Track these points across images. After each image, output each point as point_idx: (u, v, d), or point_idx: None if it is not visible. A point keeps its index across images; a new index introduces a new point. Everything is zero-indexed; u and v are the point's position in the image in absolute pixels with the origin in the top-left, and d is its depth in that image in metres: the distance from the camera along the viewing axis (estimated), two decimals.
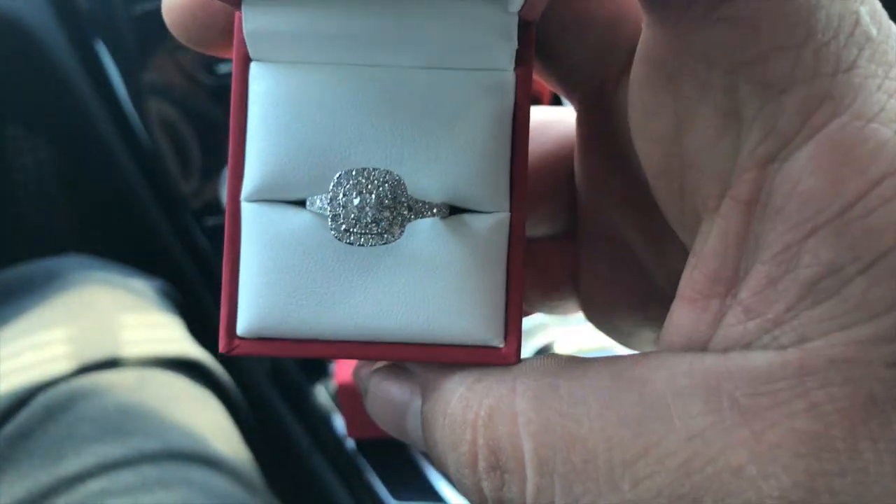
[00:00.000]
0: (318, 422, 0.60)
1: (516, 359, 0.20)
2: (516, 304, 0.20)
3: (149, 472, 0.48)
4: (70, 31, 0.74)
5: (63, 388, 0.51)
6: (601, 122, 0.22)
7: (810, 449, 0.15)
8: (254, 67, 0.20)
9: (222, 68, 0.71)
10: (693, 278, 0.18)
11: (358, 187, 0.19)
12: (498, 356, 0.20)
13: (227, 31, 0.21)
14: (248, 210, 0.20)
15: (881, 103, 0.15)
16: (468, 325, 0.20)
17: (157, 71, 0.73)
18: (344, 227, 0.19)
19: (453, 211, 0.20)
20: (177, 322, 0.61)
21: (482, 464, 0.18)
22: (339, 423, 0.59)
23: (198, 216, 0.69)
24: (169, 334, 0.59)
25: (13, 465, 0.47)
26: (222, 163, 0.72)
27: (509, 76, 0.20)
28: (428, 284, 0.20)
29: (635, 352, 0.23)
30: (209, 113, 0.72)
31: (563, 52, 0.22)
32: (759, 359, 0.16)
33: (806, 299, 0.15)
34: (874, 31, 0.15)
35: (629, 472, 0.16)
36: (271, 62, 0.20)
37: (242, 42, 0.20)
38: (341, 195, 0.19)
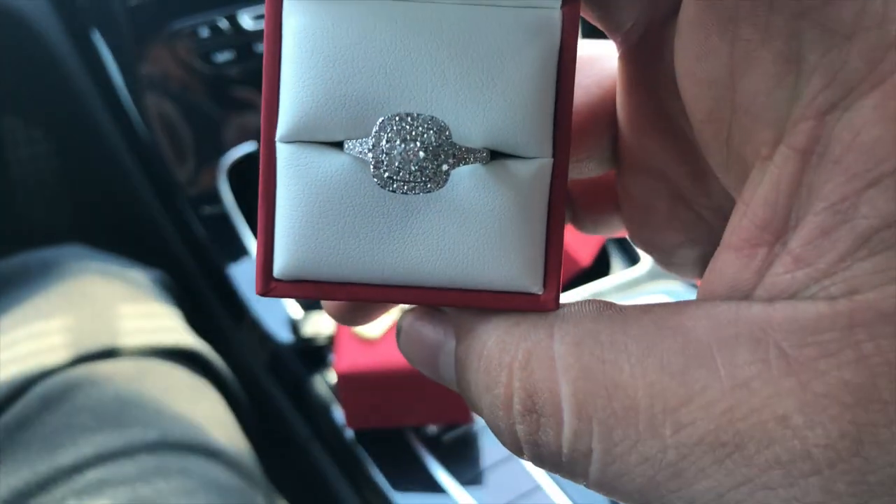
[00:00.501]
0: (316, 412, 0.60)
1: (555, 305, 0.19)
2: (556, 250, 0.20)
3: (147, 461, 0.47)
4: (67, 22, 0.74)
5: (60, 378, 0.51)
6: (646, 62, 0.22)
7: (857, 399, 0.14)
8: (287, 2, 0.19)
9: (218, 57, 0.71)
10: (741, 226, 0.17)
11: (402, 133, 0.18)
12: (536, 302, 0.19)
13: None
14: (283, 151, 0.19)
15: None
16: (507, 272, 0.19)
17: (154, 60, 0.73)
18: (387, 174, 0.18)
19: (494, 156, 0.19)
20: (174, 312, 0.61)
21: (517, 407, 0.18)
22: (338, 413, 0.59)
23: (194, 205, 0.69)
24: (166, 324, 0.58)
25: (10, 455, 0.47)
26: (220, 151, 0.71)
27: (556, 14, 0.19)
28: (468, 231, 0.19)
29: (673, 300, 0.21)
30: (206, 102, 0.72)
31: None
32: (807, 309, 0.15)
33: (860, 250, 0.15)
34: None
35: (671, 418, 0.16)
36: None
37: None
38: (384, 141, 0.18)
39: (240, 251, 0.66)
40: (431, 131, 0.18)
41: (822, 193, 0.15)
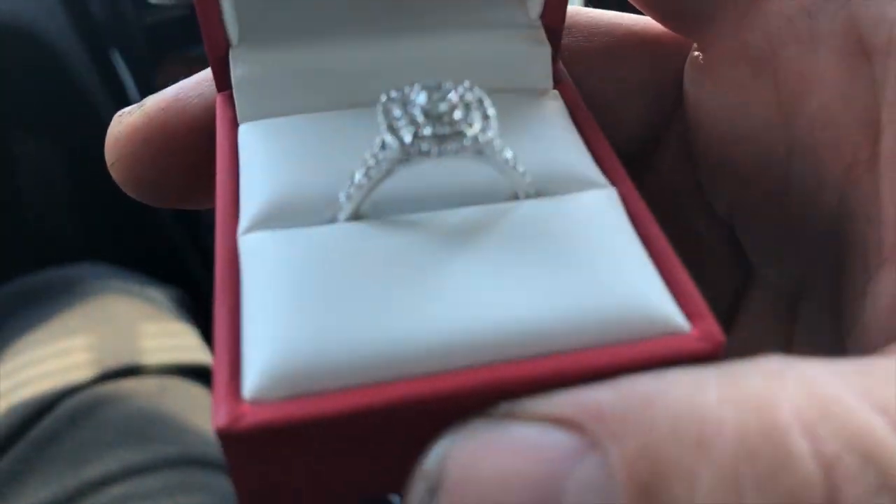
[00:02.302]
0: None
1: (723, 338, 0.12)
2: (681, 274, 0.13)
3: (170, 477, 0.49)
4: (86, 40, 0.75)
5: (86, 395, 0.52)
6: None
7: None
8: (243, 129, 0.16)
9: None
10: (882, 236, 0.15)
11: (420, 87, 0.14)
12: (695, 342, 0.12)
13: (193, 168, 0.18)
14: (248, 242, 0.14)
15: None
16: (629, 308, 0.12)
17: (170, 78, 0.74)
18: (408, 133, 0.13)
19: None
20: (192, 331, 0.62)
21: (853, 489, 0.09)
22: None
23: (212, 227, 0.70)
24: (186, 343, 0.60)
25: (39, 469, 0.49)
26: None
27: (552, 94, 0.17)
28: (544, 268, 0.13)
29: None
30: None
31: None
32: None
33: None
34: None
35: None
36: (262, 119, 0.16)
37: (227, 112, 0.16)
38: (396, 109, 0.13)
39: None
40: (462, 86, 0.14)
41: None
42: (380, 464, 0.12)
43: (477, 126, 0.13)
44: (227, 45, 0.16)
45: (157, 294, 0.64)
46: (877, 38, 0.14)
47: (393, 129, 0.13)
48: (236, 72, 0.16)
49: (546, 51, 0.17)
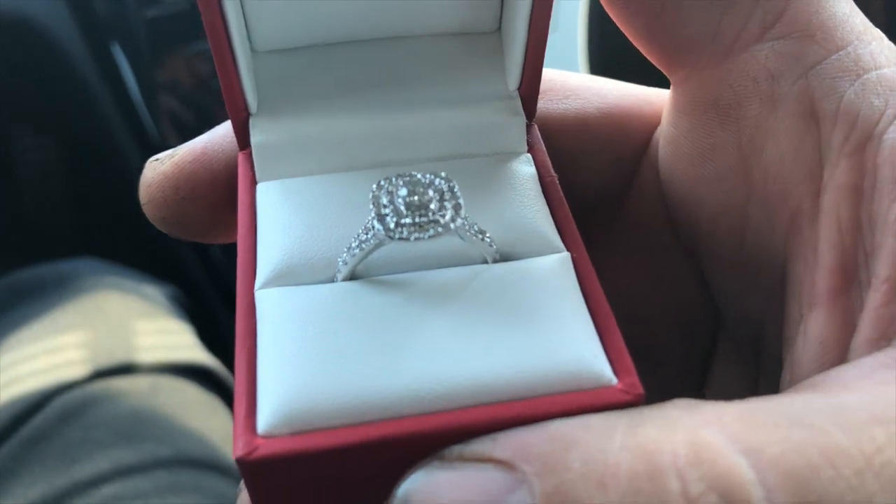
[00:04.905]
0: None
1: (642, 390, 0.15)
2: (614, 334, 0.16)
3: (161, 477, 0.49)
4: (87, 34, 0.75)
5: (78, 393, 0.52)
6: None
7: None
8: (261, 187, 0.19)
9: None
10: (815, 281, 0.17)
11: (403, 181, 0.17)
12: (619, 394, 0.15)
13: (216, 209, 0.21)
14: (263, 296, 0.17)
15: None
16: (568, 364, 0.15)
17: (173, 78, 0.74)
18: (392, 221, 0.16)
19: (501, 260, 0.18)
20: (187, 328, 0.62)
21: None
22: None
23: None
24: (180, 341, 0.60)
25: (29, 468, 0.48)
26: None
27: (524, 157, 0.20)
28: (502, 328, 0.16)
29: None
30: (224, 119, 0.73)
31: None
32: None
33: None
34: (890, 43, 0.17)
35: None
36: (278, 179, 0.19)
37: (248, 171, 0.19)
38: (384, 197, 0.16)
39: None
40: (438, 178, 0.17)
41: (892, 214, 0.16)
42: (366, 488, 0.15)
43: (448, 214, 0.16)
44: (247, 113, 0.19)
45: (153, 291, 0.64)
46: (826, 107, 0.17)
47: (380, 217, 0.16)
48: (255, 138, 0.19)
49: (521, 120, 0.20)
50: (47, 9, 0.75)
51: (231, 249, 0.59)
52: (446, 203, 0.16)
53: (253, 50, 0.20)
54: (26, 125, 0.79)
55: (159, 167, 0.22)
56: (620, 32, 0.20)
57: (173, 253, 0.72)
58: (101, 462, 0.48)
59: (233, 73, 0.18)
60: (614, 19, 0.20)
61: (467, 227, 0.17)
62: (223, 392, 0.59)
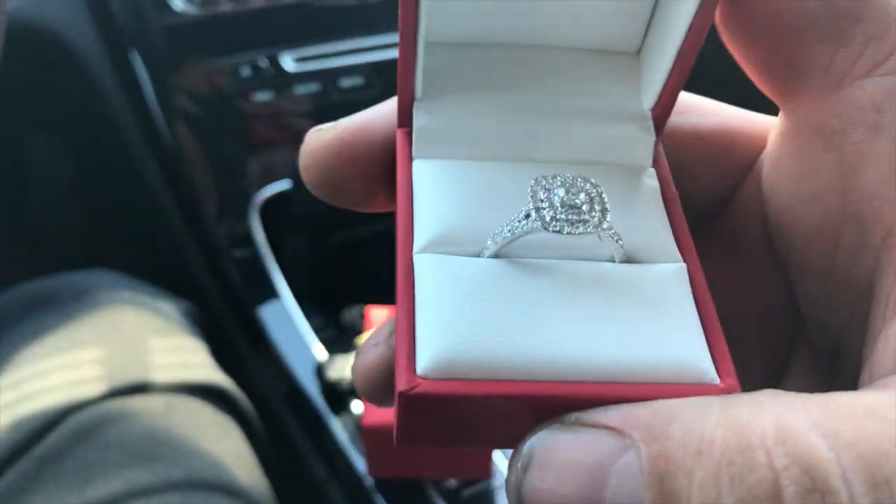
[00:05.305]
0: (336, 455, 0.61)
1: (739, 390, 0.18)
2: (718, 339, 0.19)
3: (173, 500, 0.49)
4: (106, 40, 0.75)
5: (93, 412, 0.52)
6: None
7: None
8: (417, 163, 0.22)
9: (258, 96, 0.72)
10: None
11: (560, 181, 0.19)
12: (719, 392, 0.18)
13: (368, 179, 0.23)
14: (422, 260, 0.20)
15: None
16: (678, 360, 0.18)
17: (191, 93, 0.74)
18: (549, 215, 0.19)
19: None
20: (201, 346, 0.62)
21: (791, 489, 0.14)
22: (357, 459, 0.60)
23: (226, 244, 0.70)
24: (195, 359, 0.60)
25: (43, 486, 0.48)
26: (252, 188, 0.73)
27: (650, 171, 0.22)
28: (625, 320, 0.18)
29: None
30: (241, 139, 0.73)
31: None
32: None
33: None
34: None
35: None
36: (434, 158, 0.22)
37: (406, 147, 0.22)
38: (541, 193, 0.19)
39: (269, 292, 0.67)
40: (589, 183, 0.19)
41: None
42: (495, 436, 0.18)
43: (597, 217, 0.19)
44: (413, 98, 0.22)
45: (168, 307, 0.64)
46: None
47: (538, 209, 0.19)
48: (418, 120, 0.22)
49: (651, 138, 0.22)
50: (67, 15, 0.75)
51: (244, 266, 0.60)
52: (595, 206, 0.19)
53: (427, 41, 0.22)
54: (43, 133, 0.79)
55: (322, 135, 0.23)
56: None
57: (186, 267, 0.72)
58: (114, 482, 0.48)
59: (411, 60, 0.21)
60: (732, 53, 0.22)
61: (610, 230, 0.19)
62: (236, 412, 0.59)
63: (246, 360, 0.68)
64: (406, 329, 0.18)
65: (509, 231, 0.19)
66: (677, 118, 0.24)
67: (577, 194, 0.19)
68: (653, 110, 0.22)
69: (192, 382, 0.57)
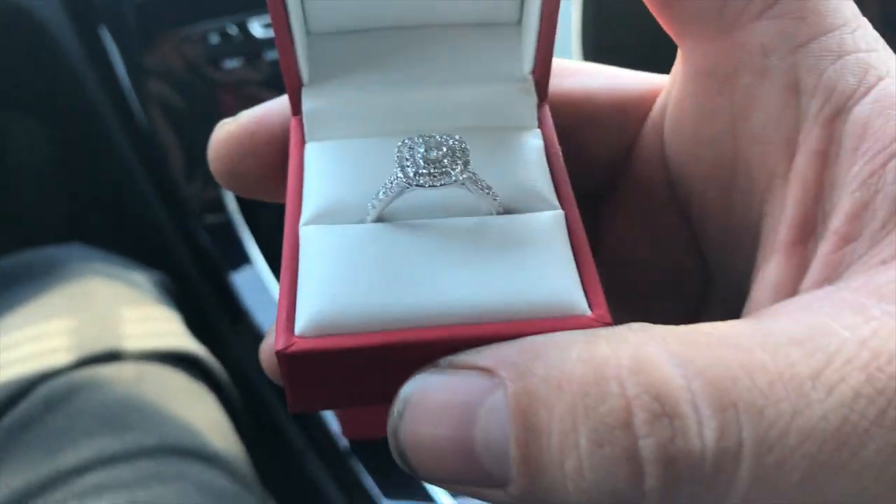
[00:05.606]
0: (311, 420, 0.61)
1: (611, 321, 0.19)
2: (591, 275, 0.20)
3: (146, 466, 0.48)
4: (76, 18, 0.74)
5: (63, 381, 0.51)
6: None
7: None
8: (308, 146, 0.23)
9: (228, 63, 0.72)
10: (778, 232, 0.20)
11: (422, 140, 0.20)
12: (590, 322, 0.18)
13: (270, 167, 0.25)
14: (306, 231, 0.21)
15: None
16: (550, 296, 0.19)
17: (162, 63, 0.74)
18: (412, 171, 0.20)
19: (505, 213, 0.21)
20: (175, 316, 0.62)
21: (641, 415, 0.15)
22: (332, 421, 0.60)
23: (198, 211, 0.70)
24: (167, 328, 0.59)
25: (12, 456, 0.48)
26: None
27: (535, 132, 0.23)
28: (499, 265, 0.19)
29: None
30: (212, 107, 0.73)
31: None
32: (882, 276, 0.17)
33: None
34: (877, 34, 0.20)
35: (819, 382, 0.15)
36: (325, 140, 0.23)
37: (298, 132, 0.23)
38: (406, 151, 0.20)
39: (242, 259, 0.67)
40: (453, 139, 0.20)
41: (849, 177, 0.18)
42: (376, 387, 0.18)
43: (458, 168, 0.20)
44: (300, 84, 0.23)
45: (140, 278, 0.63)
46: (808, 81, 0.19)
47: (402, 168, 0.20)
48: (306, 105, 0.23)
49: (533, 99, 0.23)
50: None
51: (216, 235, 0.59)
52: (458, 159, 0.20)
53: (308, 32, 0.24)
54: (15, 110, 0.79)
55: (226, 126, 0.25)
56: (613, 24, 0.23)
57: (161, 239, 0.72)
58: (85, 450, 0.48)
59: (290, 50, 0.22)
60: None
61: (475, 181, 0.20)
62: (209, 379, 0.59)
63: (220, 328, 0.67)
64: (287, 296, 0.19)
65: (384, 193, 0.20)
66: (567, 80, 0.25)
67: (438, 148, 0.20)
68: (532, 73, 0.23)
69: (165, 350, 0.56)
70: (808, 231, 0.19)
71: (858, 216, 0.18)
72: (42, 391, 0.51)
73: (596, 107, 0.25)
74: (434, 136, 0.20)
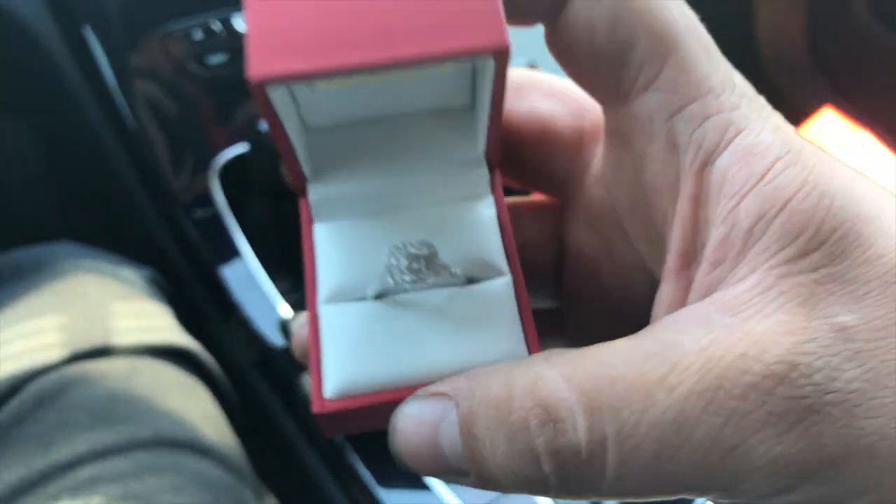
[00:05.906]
0: (304, 410, 0.61)
1: None
2: (531, 331, 0.26)
3: (139, 458, 0.49)
4: (59, 17, 0.74)
5: (54, 376, 0.51)
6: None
7: (786, 330, 0.21)
8: (316, 227, 0.29)
9: (212, 59, 0.72)
10: (668, 263, 0.25)
11: (403, 253, 0.26)
12: None
13: None
14: (324, 309, 0.27)
15: (763, 124, 0.23)
16: (501, 350, 0.26)
17: (146, 60, 0.73)
18: (398, 278, 0.26)
19: (469, 282, 0.27)
20: (166, 311, 0.62)
21: (534, 421, 0.21)
22: None
23: (186, 206, 0.70)
24: (158, 323, 0.59)
25: (5, 451, 0.48)
26: (211, 152, 0.72)
27: (489, 200, 0.29)
28: (466, 330, 0.26)
29: None
30: (198, 103, 0.73)
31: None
32: (731, 292, 0.22)
33: (749, 241, 0.22)
34: (747, 90, 0.24)
35: (663, 385, 0.20)
36: (329, 221, 0.29)
37: (307, 211, 0.29)
38: (392, 260, 0.26)
39: (231, 252, 0.67)
40: (424, 248, 0.26)
41: (714, 216, 0.23)
42: (381, 420, 0.24)
43: (431, 274, 0.26)
44: (305, 179, 0.29)
45: (130, 274, 0.63)
46: (682, 141, 0.24)
47: (391, 273, 0.26)
48: (312, 197, 0.29)
49: (485, 173, 0.29)
50: None
51: (206, 231, 0.59)
52: (431, 265, 0.26)
53: (306, 129, 0.30)
54: (3, 111, 0.78)
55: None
56: None
57: (151, 236, 0.72)
58: (78, 444, 0.48)
59: (290, 153, 0.27)
60: (564, 72, 0.27)
61: (441, 276, 0.26)
62: (202, 373, 0.59)
63: (211, 320, 0.67)
64: (316, 368, 0.26)
65: (379, 285, 0.26)
66: (525, 101, 0.30)
67: (416, 261, 0.26)
68: (486, 154, 0.29)
69: (157, 345, 0.56)
70: (689, 259, 0.24)
71: (723, 245, 0.22)
72: (34, 387, 0.51)
73: (554, 132, 0.30)
74: (412, 251, 0.26)
